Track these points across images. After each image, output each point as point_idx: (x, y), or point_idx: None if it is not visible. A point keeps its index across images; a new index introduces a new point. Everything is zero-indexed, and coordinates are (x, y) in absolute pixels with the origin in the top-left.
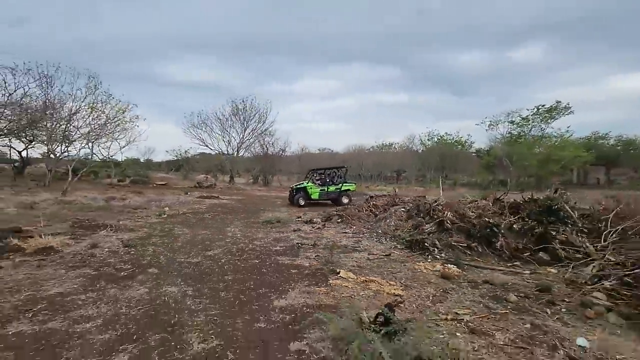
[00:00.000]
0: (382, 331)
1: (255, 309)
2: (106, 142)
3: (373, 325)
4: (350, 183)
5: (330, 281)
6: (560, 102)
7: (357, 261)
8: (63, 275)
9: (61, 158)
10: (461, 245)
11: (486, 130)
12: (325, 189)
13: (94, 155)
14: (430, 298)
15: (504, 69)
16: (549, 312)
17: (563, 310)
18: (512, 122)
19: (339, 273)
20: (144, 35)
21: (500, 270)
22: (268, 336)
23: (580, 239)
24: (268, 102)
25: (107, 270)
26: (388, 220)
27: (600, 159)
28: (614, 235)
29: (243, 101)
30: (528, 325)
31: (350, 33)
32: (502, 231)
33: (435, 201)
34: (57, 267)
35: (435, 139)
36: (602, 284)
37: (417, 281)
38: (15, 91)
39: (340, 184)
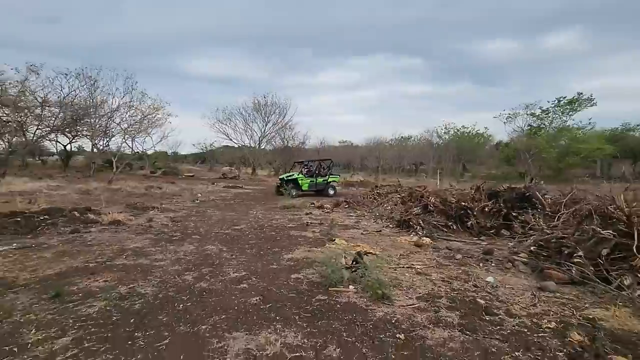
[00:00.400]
0: (352, 268)
1: (270, 259)
2: (142, 137)
3: (348, 267)
4: (335, 175)
5: (327, 245)
6: (582, 93)
7: (352, 235)
8: (134, 238)
9: (104, 151)
10: (440, 224)
11: (504, 122)
12: (315, 180)
13: (131, 149)
14: (398, 256)
15: (533, 57)
16: (480, 265)
17: (492, 265)
18: (532, 115)
19: (334, 240)
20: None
21: (463, 241)
22: (277, 271)
23: (534, 219)
24: (288, 98)
25: (163, 236)
26: (386, 205)
27: (627, 151)
28: (564, 216)
29: (264, 97)
30: (460, 271)
31: (372, 24)
32: (475, 213)
33: (425, 189)
34: (128, 233)
35: (452, 132)
36: (530, 249)
37: (394, 247)
38: (68, 94)
39: (327, 176)
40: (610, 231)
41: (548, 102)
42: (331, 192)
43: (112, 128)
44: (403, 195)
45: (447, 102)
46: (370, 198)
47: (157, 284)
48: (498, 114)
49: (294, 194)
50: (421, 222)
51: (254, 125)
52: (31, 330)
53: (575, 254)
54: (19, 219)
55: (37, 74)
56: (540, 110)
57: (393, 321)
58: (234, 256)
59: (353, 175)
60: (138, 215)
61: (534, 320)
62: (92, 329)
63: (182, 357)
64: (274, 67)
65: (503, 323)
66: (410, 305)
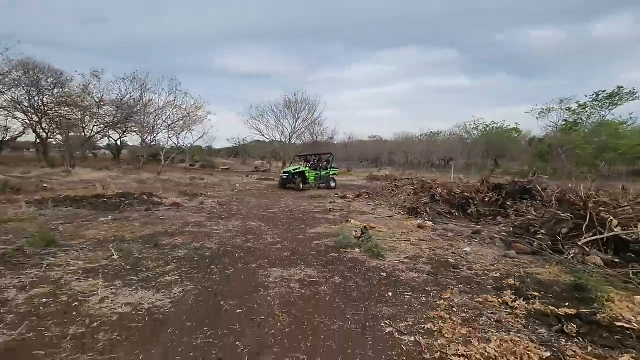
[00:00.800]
0: (359, 238)
1: (298, 232)
2: (185, 132)
3: (356, 237)
4: (335, 169)
5: (343, 224)
6: (622, 87)
7: (367, 218)
8: (193, 215)
9: (150, 145)
10: (445, 211)
11: (536, 118)
12: (319, 173)
13: (175, 144)
14: (400, 234)
15: (582, 46)
16: (465, 241)
17: (476, 241)
18: (567, 109)
19: (350, 221)
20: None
21: (461, 225)
22: (303, 239)
23: (527, 208)
24: (318, 95)
25: (214, 215)
26: (400, 196)
27: None
28: (555, 206)
29: (295, 94)
30: (446, 244)
31: (404, 15)
32: (475, 202)
33: (434, 181)
34: (187, 212)
35: (481, 128)
36: (509, 229)
37: (400, 228)
38: (124, 96)
39: (329, 169)
40: (569, 214)
41: (586, 96)
42: (333, 184)
43: (159, 125)
44: (415, 187)
45: (483, 95)
46: (388, 190)
47: (218, 243)
48: (530, 109)
49: (301, 186)
50: (428, 210)
51: (284, 121)
52: (148, 262)
53: (538, 232)
54: (105, 200)
55: (99, 78)
56: (577, 105)
57: (381, 268)
58: (270, 229)
59: (380, 170)
60: (191, 200)
61: (485, 272)
62: (183, 263)
63: (242, 277)
64: (306, 62)
65: (461, 273)
66: (396, 261)
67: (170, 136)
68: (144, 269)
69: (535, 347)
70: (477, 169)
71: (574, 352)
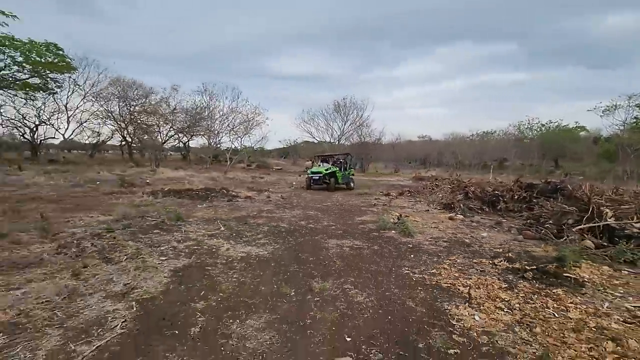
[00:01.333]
0: (396, 223)
1: (347, 218)
2: (245, 136)
3: (394, 222)
4: (352, 169)
5: (383, 213)
6: None
7: (405, 211)
8: (264, 205)
9: (216, 147)
10: (476, 207)
11: (600, 116)
12: (345, 173)
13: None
14: (431, 223)
15: None
16: (486, 229)
17: (495, 229)
18: (638, 106)
19: (390, 212)
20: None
21: (489, 218)
22: (351, 224)
23: (549, 204)
24: (365, 99)
25: (280, 205)
26: (438, 194)
27: None
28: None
29: (344, 99)
30: (467, 231)
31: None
32: (505, 199)
33: (469, 181)
34: (258, 203)
35: (535, 127)
36: (526, 220)
37: (432, 219)
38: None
39: (350, 169)
40: (575, 207)
41: None
42: (352, 184)
43: (222, 129)
44: (452, 186)
45: (544, 90)
46: (429, 189)
47: (287, 224)
48: (594, 106)
49: (332, 188)
50: (461, 205)
51: (334, 124)
52: (245, 232)
53: (546, 222)
54: (197, 192)
55: (177, 90)
56: None
57: (409, 242)
58: (325, 216)
59: (428, 171)
60: (258, 194)
61: (490, 249)
62: (268, 234)
63: (310, 243)
64: (355, 62)
65: (470, 248)
66: (422, 239)
67: (232, 139)
68: (244, 236)
69: (498, 282)
70: (532, 170)
71: (524, 286)
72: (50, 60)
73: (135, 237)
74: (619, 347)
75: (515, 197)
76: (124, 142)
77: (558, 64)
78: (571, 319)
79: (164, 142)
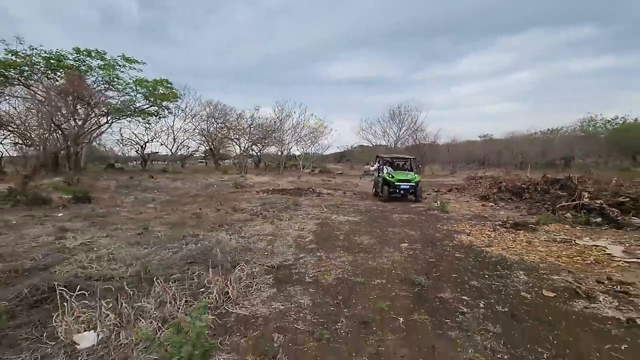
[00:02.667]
0: (438, 204)
1: (404, 205)
2: (312, 145)
3: (437, 205)
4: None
5: (431, 201)
6: None
7: (448, 202)
8: (343, 198)
9: (288, 156)
10: (506, 198)
11: None
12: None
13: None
14: (467, 207)
15: None
16: (505, 210)
17: (512, 210)
18: None
19: (436, 201)
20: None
21: (516, 206)
22: (408, 207)
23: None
24: (420, 105)
25: (354, 198)
26: (480, 189)
27: None
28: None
29: (399, 107)
30: (491, 211)
31: None
32: (530, 191)
33: (504, 177)
34: (338, 197)
35: (599, 124)
36: (537, 204)
37: (468, 205)
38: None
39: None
40: (566, 193)
41: None
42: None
43: (291, 139)
44: (491, 182)
45: (635, 75)
46: (473, 186)
47: (364, 208)
48: None
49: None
50: (495, 197)
51: (390, 130)
52: (340, 211)
53: (546, 204)
54: (291, 191)
55: (257, 110)
56: None
57: (444, 216)
58: (388, 204)
59: (485, 171)
60: (335, 192)
61: (498, 219)
62: (354, 212)
63: (382, 216)
64: (411, 61)
65: (485, 219)
66: (455, 214)
67: (302, 148)
68: (341, 212)
69: (488, 229)
70: (602, 168)
71: (502, 230)
72: (162, 92)
73: (281, 212)
74: (529, 244)
75: (538, 189)
76: (209, 154)
77: None
78: (516, 239)
79: (244, 152)
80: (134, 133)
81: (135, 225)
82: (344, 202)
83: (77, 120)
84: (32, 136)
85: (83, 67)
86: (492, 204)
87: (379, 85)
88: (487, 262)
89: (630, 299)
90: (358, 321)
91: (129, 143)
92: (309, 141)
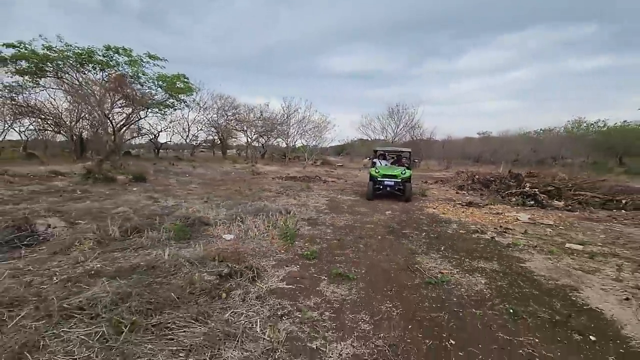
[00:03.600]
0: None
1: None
2: (316, 139)
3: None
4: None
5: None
6: None
7: (430, 189)
8: (346, 185)
9: (293, 148)
10: (477, 187)
11: None
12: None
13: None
14: (443, 194)
15: None
16: (470, 197)
17: (476, 196)
18: None
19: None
20: (310, 34)
21: (482, 193)
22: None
23: (529, 185)
24: (416, 104)
25: (354, 184)
26: (458, 181)
27: None
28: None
29: (397, 105)
30: (460, 196)
31: None
32: (495, 183)
33: (478, 172)
34: (342, 184)
35: (584, 126)
36: (498, 193)
37: (445, 193)
38: (277, 115)
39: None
40: (515, 184)
41: None
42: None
43: (297, 133)
44: (468, 175)
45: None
46: (455, 178)
47: (361, 194)
48: None
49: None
50: (468, 187)
51: (388, 127)
52: (344, 192)
53: (499, 191)
54: (302, 178)
55: (268, 106)
56: None
57: (423, 199)
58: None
59: (479, 168)
60: (338, 180)
61: (462, 201)
62: (354, 193)
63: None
64: (409, 56)
65: (452, 201)
66: (431, 197)
67: (307, 140)
68: (345, 193)
69: (451, 206)
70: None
71: (457, 206)
72: (180, 86)
73: (299, 193)
74: (471, 214)
75: (502, 181)
76: (212, 143)
77: None
78: (465, 212)
79: (251, 143)
80: (149, 123)
81: (196, 197)
82: (346, 188)
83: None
84: (66, 123)
85: (111, 63)
86: (464, 192)
87: (378, 79)
88: (438, 221)
89: (504, 233)
90: (356, 236)
91: (144, 133)
92: (313, 135)
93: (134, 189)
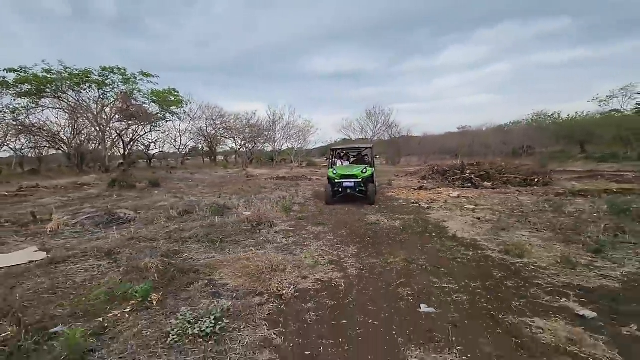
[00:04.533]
0: (387, 182)
1: None
2: (300, 142)
3: (387, 182)
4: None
5: (388, 182)
6: None
7: (399, 181)
8: (320, 182)
9: (279, 151)
10: (436, 177)
11: (599, 106)
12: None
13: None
14: (406, 183)
15: None
16: (427, 183)
17: (431, 183)
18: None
19: (389, 181)
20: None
21: (437, 181)
22: None
23: (475, 174)
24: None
25: None
26: (422, 172)
27: None
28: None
29: (374, 107)
30: (418, 183)
31: None
32: (450, 172)
33: (437, 165)
34: (317, 182)
35: (542, 119)
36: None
37: (408, 183)
38: (263, 122)
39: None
40: (460, 171)
41: None
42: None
43: (282, 137)
44: (430, 168)
45: (615, 65)
46: (421, 171)
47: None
48: (592, 97)
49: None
50: (429, 176)
51: (367, 127)
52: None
53: (456, 178)
54: (291, 178)
55: (255, 114)
56: None
57: (387, 188)
58: None
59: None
60: (322, 178)
61: (420, 186)
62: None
63: None
64: (390, 54)
65: (410, 188)
66: (396, 185)
67: (291, 145)
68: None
69: (407, 190)
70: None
71: (411, 190)
72: (171, 99)
73: (290, 188)
74: (418, 194)
75: (455, 170)
76: (196, 151)
77: (622, 37)
78: (414, 194)
79: (240, 149)
80: (140, 135)
81: (209, 194)
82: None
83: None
84: (64, 139)
85: (107, 82)
86: (426, 181)
87: (362, 79)
88: (392, 199)
89: (432, 203)
90: (331, 209)
91: (137, 144)
92: (298, 139)
93: (156, 192)
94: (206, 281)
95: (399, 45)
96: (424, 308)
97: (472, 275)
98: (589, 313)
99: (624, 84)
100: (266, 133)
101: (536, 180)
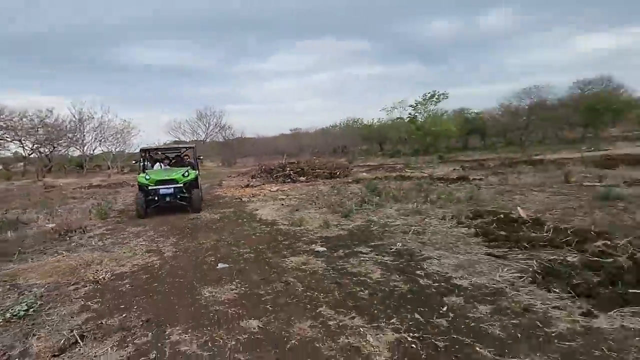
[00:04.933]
0: (218, 183)
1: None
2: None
3: (218, 183)
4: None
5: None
6: (437, 91)
7: (230, 181)
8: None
9: (91, 157)
10: (263, 175)
11: (387, 114)
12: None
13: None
14: (236, 183)
15: (473, 35)
16: (254, 182)
17: (249, 179)
18: (411, 106)
19: (220, 180)
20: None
21: (264, 179)
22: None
23: (293, 171)
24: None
25: None
26: (253, 172)
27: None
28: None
29: (205, 108)
30: (247, 182)
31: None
32: (274, 170)
33: (265, 164)
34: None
35: (358, 124)
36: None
37: (238, 182)
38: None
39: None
40: (290, 169)
41: (418, 97)
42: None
43: (95, 140)
44: (259, 167)
45: (400, 82)
46: (252, 170)
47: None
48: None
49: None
50: (257, 175)
51: (199, 129)
52: None
53: (278, 175)
54: (114, 184)
55: (52, 112)
56: (415, 103)
57: (217, 188)
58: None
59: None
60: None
61: (246, 184)
62: None
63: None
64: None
65: (241, 184)
66: (225, 185)
67: (108, 148)
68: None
69: (233, 189)
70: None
71: (240, 188)
72: None
73: (107, 195)
74: (242, 190)
75: (279, 169)
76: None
77: (404, 60)
78: (239, 190)
79: (29, 155)
80: None
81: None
82: None
83: None
84: None
85: None
86: (254, 179)
87: (196, 79)
88: (219, 197)
89: (253, 197)
90: (154, 211)
91: None
92: (116, 141)
93: None
94: (8, 286)
95: (231, 45)
96: (220, 265)
97: (263, 241)
98: (321, 249)
99: (403, 97)
100: (70, 135)
101: (338, 173)
